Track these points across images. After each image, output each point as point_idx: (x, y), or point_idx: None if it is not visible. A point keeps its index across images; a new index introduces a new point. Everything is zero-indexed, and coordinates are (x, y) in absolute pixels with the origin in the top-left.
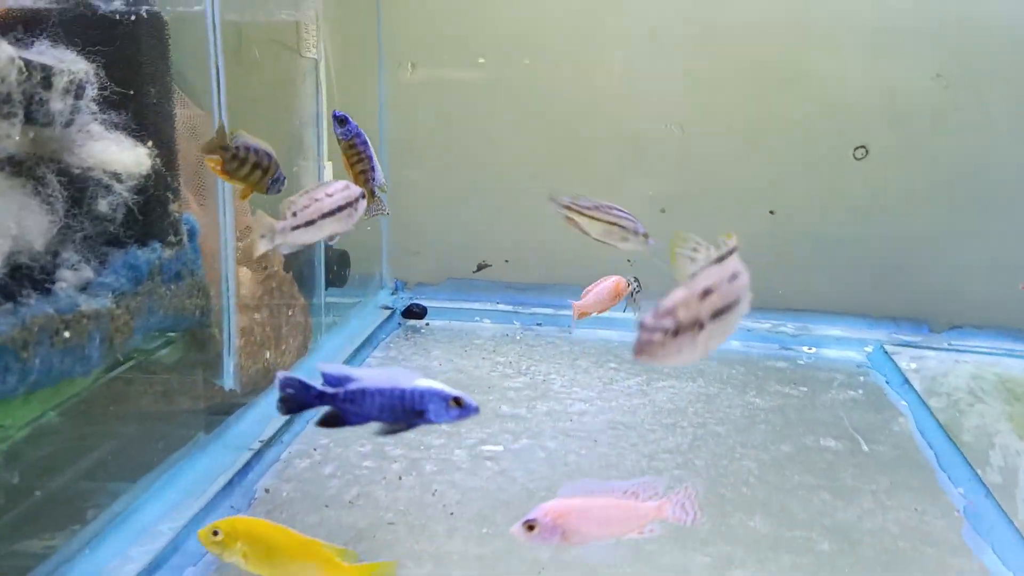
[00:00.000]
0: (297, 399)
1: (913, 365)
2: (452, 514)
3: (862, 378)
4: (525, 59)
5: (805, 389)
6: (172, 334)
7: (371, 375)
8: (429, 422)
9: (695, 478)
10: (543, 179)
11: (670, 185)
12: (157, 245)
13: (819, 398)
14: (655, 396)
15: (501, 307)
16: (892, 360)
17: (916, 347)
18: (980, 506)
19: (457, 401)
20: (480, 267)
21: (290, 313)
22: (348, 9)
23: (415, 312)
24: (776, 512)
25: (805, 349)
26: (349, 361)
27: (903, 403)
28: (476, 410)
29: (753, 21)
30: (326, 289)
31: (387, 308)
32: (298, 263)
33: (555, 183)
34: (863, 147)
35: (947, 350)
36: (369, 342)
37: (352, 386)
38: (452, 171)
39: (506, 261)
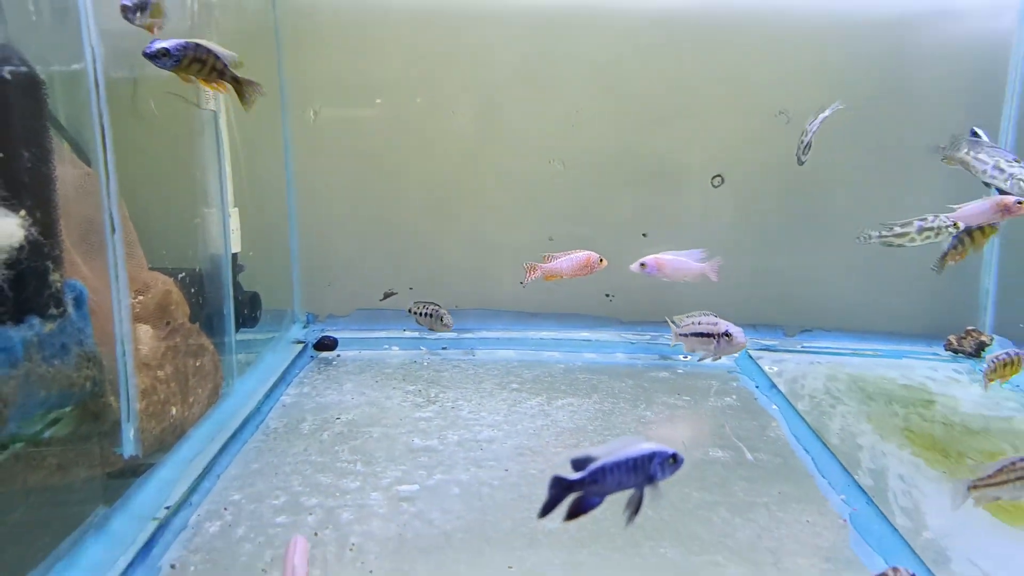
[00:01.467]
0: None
1: (775, 368)
2: (371, 572)
3: (734, 383)
4: (417, 98)
5: (688, 399)
6: (61, 410)
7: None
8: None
9: (603, 504)
10: (443, 210)
11: (556, 213)
12: (35, 321)
13: (701, 407)
14: (556, 416)
15: (408, 334)
16: (757, 364)
17: (775, 351)
18: (863, 514)
19: (674, 458)
20: (387, 295)
21: (197, 363)
22: (248, 58)
23: (326, 344)
24: (683, 536)
25: (682, 358)
26: (263, 401)
27: (774, 407)
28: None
29: (626, 65)
30: (238, 330)
31: (299, 342)
32: (207, 310)
33: (453, 212)
34: (719, 176)
35: (801, 352)
36: (283, 379)
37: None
38: (357, 205)
39: (411, 288)
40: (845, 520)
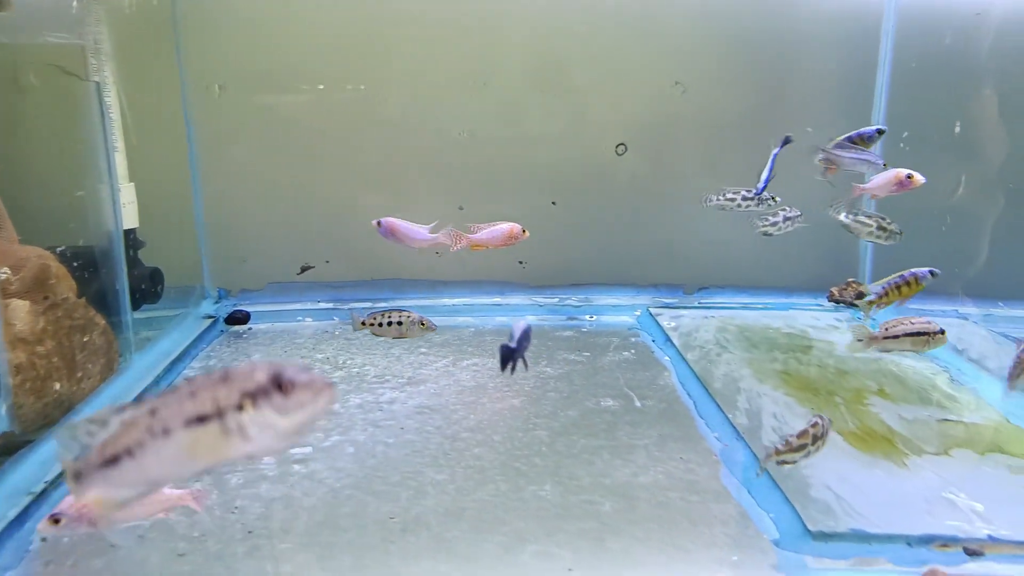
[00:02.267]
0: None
1: (673, 324)
2: (251, 532)
3: (633, 339)
4: (328, 70)
5: (588, 355)
6: None
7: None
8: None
9: (493, 454)
10: (356, 182)
11: (467, 184)
12: None
13: (599, 361)
14: (460, 376)
15: (322, 305)
16: (656, 321)
17: (674, 308)
18: (733, 450)
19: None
20: (303, 269)
21: (86, 339)
22: (140, 34)
23: (238, 318)
24: (564, 479)
25: (588, 318)
26: (164, 375)
27: (666, 358)
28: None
29: (533, 40)
30: (140, 307)
31: (209, 317)
32: (97, 285)
33: (366, 185)
34: (623, 144)
35: (698, 308)
36: (188, 353)
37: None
38: (270, 180)
39: (327, 262)
40: (716, 456)
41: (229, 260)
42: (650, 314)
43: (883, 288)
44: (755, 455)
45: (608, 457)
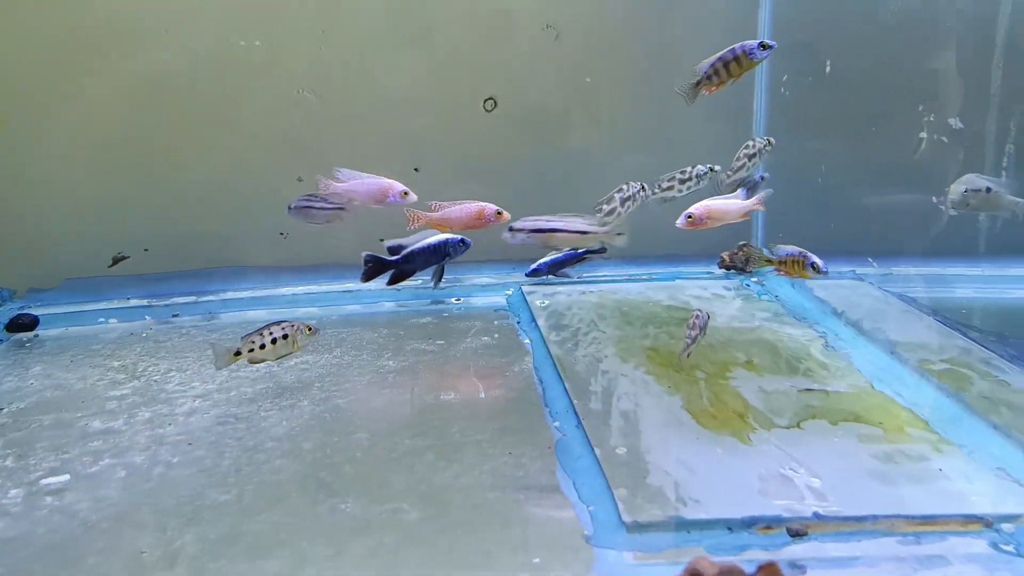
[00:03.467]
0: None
1: (546, 302)
2: None
3: (497, 322)
4: (125, 30)
5: (442, 343)
6: None
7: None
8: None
9: (296, 466)
10: (172, 159)
11: (311, 151)
12: None
13: (452, 350)
14: (282, 377)
15: (133, 303)
16: (526, 300)
17: (551, 284)
18: (570, 439)
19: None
20: (116, 260)
21: None
22: None
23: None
24: (372, 488)
25: (454, 300)
26: None
27: (527, 341)
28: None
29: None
30: None
31: None
32: None
33: (185, 161)
34: (492, 99)
35: (577, 282)
36: None
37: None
38: (63, 164)
39: (145, 250)
40: (551, 447)
41: (12, 256)
42: (522, 293)
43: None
44: (591, 444)
45: (432, 459)
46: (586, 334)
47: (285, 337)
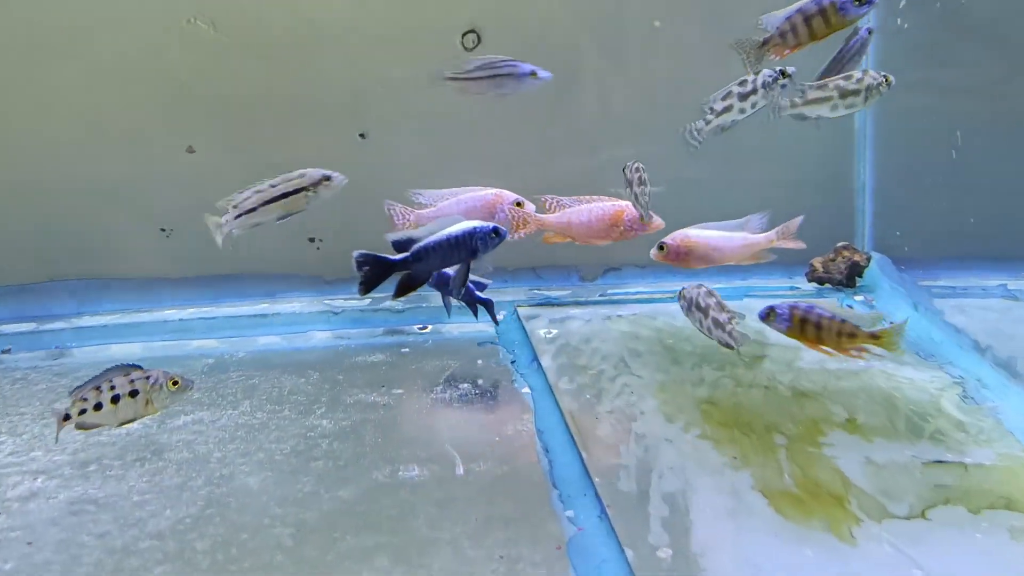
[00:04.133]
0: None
1: (552, 332)
2: None
3: (483, 361)
4: None
5: (400, 392)
6: None
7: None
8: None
9: (192, 571)
10: (33, 126)
11: (209, 111)
12: None
13: (416, 402)
14: (166, 441)
15: None
16: (525, 330)
17: (561, 304)
18: (590, 534)
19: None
20: None
21: None
22: None
23: None
24: None
25: (417, 328)
26: None
27: (526, 390)
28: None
29: None
30: None
31: None
32: None
33: (55, 130)
34: (473, 31)
35: (600, 302)
36: None
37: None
38: None
39: None
40: (561, 547)
41: None
42: (518, 317)
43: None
44: (620, 543)
45: (386, 564)
46: (613, 379)
47: (134, 395)
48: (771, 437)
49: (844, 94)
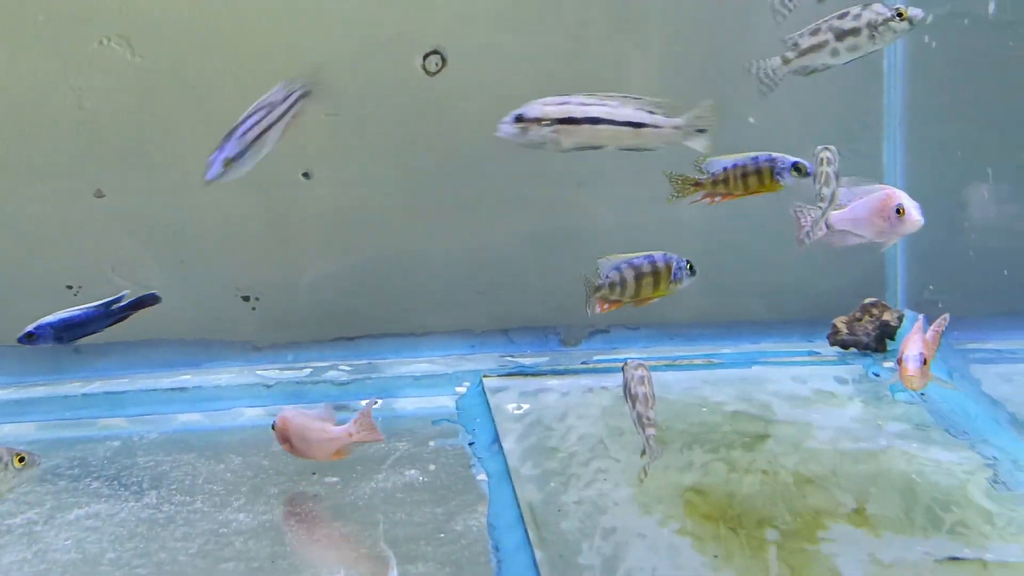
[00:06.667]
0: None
1: (523, 407)
2: None
3: (436, 443)
4: None
5: (335, 481)
6: None
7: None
8: None
9: None
10: None
11: (119, 136)
12: None
13: (351, 493)
14: (52, 541)
15: None
16: (489, 404)
17: (535, 374)
18: None
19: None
20: None
21: None
22: None
23: None
24: None
25: (363, 403)
26: None
27: (482, 477)
28: None
29: None
30: None
31: None
32: None
33: None
34: (437, 52)
35: (582, 370)
36: None
37: None
38: None
39: None
40: None
41: None
42: (483, 390)
43: None
44: None
45: None
46: (586, 463)
47: None
48: (762, 532)
49: (840, 35)
